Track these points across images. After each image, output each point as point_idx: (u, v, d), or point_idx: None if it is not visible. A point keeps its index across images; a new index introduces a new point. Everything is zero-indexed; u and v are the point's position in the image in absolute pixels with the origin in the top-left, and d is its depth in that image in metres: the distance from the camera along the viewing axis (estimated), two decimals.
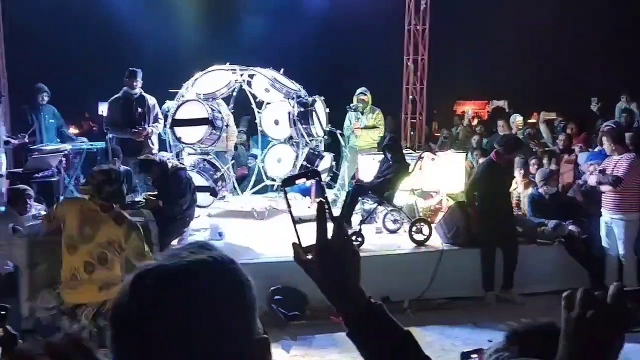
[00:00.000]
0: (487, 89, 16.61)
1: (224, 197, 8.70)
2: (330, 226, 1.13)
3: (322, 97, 8.75)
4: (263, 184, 9.03)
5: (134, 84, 7.76)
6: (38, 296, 4.87)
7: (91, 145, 7.95)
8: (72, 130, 10.13)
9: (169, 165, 6.97)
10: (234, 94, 8.74)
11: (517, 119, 10.67)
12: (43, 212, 5.93)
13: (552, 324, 1.00)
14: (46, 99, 8.12)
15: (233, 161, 9.40)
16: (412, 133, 11.33)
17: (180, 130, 8.07)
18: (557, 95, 13.84)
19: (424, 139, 11.49)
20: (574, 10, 14.81)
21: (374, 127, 9.12)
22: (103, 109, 9.22)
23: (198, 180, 7.66)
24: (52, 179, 6.82)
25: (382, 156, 7.60)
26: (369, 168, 8.08)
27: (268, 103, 8.64)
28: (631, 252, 6.54)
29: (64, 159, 7.56)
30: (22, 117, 8.08)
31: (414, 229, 7.05)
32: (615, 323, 0.97)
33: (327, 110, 8.80)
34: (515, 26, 14.72)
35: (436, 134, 13.69)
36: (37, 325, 5.60)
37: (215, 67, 8.56)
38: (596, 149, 8.50)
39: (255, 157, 9.69)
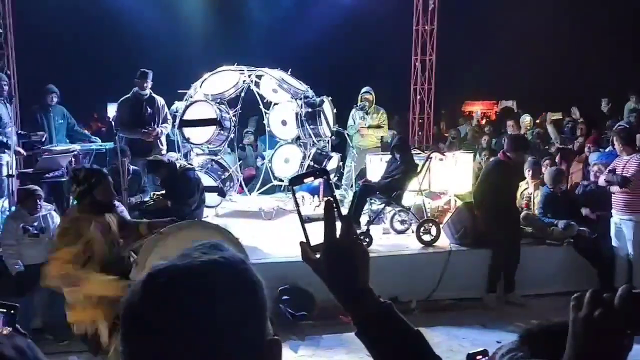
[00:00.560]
0: (495, 89, 16.56)
1: (231, 196, 8.73)
2: (338, 225, 1.12)
3: (330, 98, 8.75)
4: (271, 184, 9.05)
5: (145, 84, 7.80)
6: None
7: (100, 145, 7.99)
8: None
9: (178, 165, 7.01)
10: (242, 94, 8.77)
11: (526, 119, 10.64)
12: (53, 212, 5.97)
13: (566, 324, 1.00)
14: (56, 99, 8.16)
15: (241, 161, 9.43)
16: (420, 133, 11.32)
17: (188, 131, 8.11)
18: (566, 95, 13.76)
19: (432, 139, 11.47)
20: (583, 10, 14.73)
21: (378, 126, 9.11)
22: (112, 110, 9.26)
23: (206, 180, 7.69)
24: (62, 179, 6.85)
25: (390, 156, 7.60)
26: (376, 168, 8.08)
27: (276, 103, 8.66)
28: None
29: (74, 159, 7.59)
30: (31, 118, 8.13)
31: (421, 229, 7.04)
32: (623, 324, 0.96)
33: (335, 110, 8.81)
34: (523, 26, 14.65)
35: (444, 135, 13.66)
36: (46, 324, 5.65)
37: (224, 68, 8.59)
38: (607, 150, 8.47)
39: (263, 157, 9.71)
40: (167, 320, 0.86)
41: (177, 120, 8.13)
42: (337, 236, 1.11)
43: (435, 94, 11.22)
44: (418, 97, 11.21)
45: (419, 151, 8.81)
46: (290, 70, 8.63)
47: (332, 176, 8.58)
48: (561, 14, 15.20)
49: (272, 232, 7.28)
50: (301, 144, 8.60)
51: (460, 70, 13.93)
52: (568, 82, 14.99)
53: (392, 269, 6.37)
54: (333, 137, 9.03)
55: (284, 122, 8.58)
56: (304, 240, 1.14)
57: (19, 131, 7.81)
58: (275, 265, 6.06)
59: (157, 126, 7.88)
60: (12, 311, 1.71)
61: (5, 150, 7.16)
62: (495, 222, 6.60)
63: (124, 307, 0.91)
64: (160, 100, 8.03)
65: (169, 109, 8.24)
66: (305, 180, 1.24)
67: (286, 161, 8.64)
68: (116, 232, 4.25)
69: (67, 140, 8.20)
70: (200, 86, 8.40)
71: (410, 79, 11.27)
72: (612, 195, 6.57)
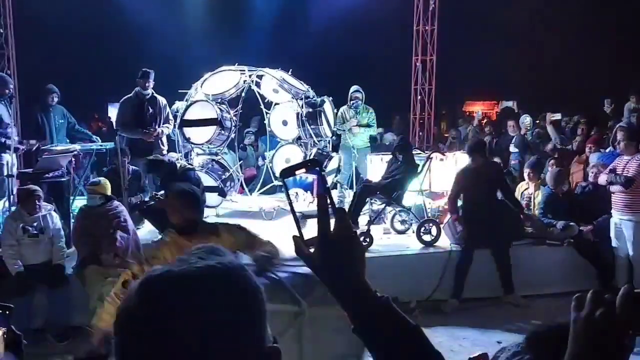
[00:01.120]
0: (496, 90, 16.56)
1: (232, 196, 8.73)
2: (332, 219, 1.09)
3: (331, 98, 8.75)
4: (271, 184, 9.05)
5: (147, 84, 7.80)
6: None
7: (101, 145, 7.99)
8: None
9: (178, 165, 7.00)
10: (243, 94, 8.77)
11: (526, 120, 10.64)
12: (53, 212, 5.96)
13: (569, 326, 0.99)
14: (56, 99, 8.16)
15: (241, 161, 9.42)
16: (420, 134, 11.32)
17: (189, 131, 8.11)
18: (567, 95, 13.77)
19: (433, 139, 11.47)
20: (584, 10, 14.73)
21: (367, 125, 9.08)
22: (112, 110, 9.26)
23: (207, 180, 7.69)
24: (62, 179, 6.85)
25: (390, 156, 7.60)
26: (376, 168, 8.07)
27: (277, 104, 8.66)
28: None
29: (74, 159, 7.59)
30: (32, 118, 8.13)
31: (422, 229, 7.03)
32: (624, 325, 0.96)
33: (335, 110, 8.80)
34: (523, 26, 14.66)
35: (445, 135, 13.66)
36: (46, 324, 5.65)
37: (224, 68, 8.58)
38: (607, 150, 8.46)
39: (264, 157, 9.72)
40: (161, 326, 0.84)
41: (178, 120, 8.13)
42: (331, 230, 1.08)
43: (436, 94, 11.23)
44: (418, 97, 11.22)
45: (419, 151, 8.81)
46: (291, 70, 8.62)
47: (332, 177, 8.59)
48: (561, 14, 15.21)
49: (272, 232, 7.24)
50: (302, 144, 8.60)
51: (460, 70, 13.92)
52: (568, 82, 15.00)
53: (393, 269, 6.37)
54: (334, 137, 9.03)
55: (284, 122, 8.58)
56: (297, 234, 1.11)
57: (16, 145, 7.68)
58: None
59: (159, 126, 7.88)
60: (7, 312, 1.71)
61: (6, 150, 7.16)
62: (469, 225, 6.63)
63: (119, 313, 0.90)
64: (162, 101, 8.03)
65: (169, 108, 8.24)
66: (297, 172, 1.16)
67: (287, 161, 8.64)
68: None
69: (67, 140, 8.20)
70: (201, 86, 8.39)
71: (410, 79, 11.28)
72: (612, 195, 6.56)
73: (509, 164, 9.58)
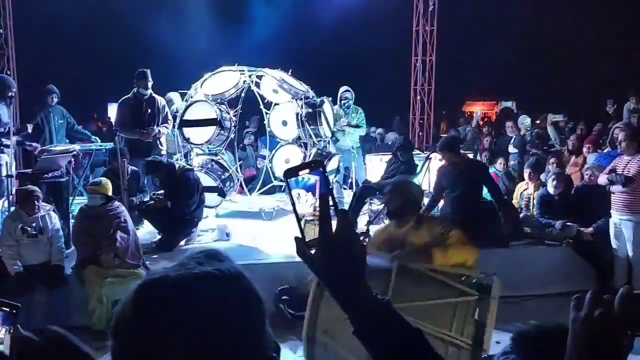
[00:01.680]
0: (495, 90, 16.57)
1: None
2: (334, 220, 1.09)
3: (330, 98, 8.75)
4: (271, 184, 9.05)
5: (147, 84, 7.80)
6: None
7: (100, 145, 7.99)
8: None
9: (177, 166, 7.00)
10: (243, 94, 8.77)
11: (525, 121, 10.64)
12: (52, 213, 5.96)
13: (557, 327, 0.99)
14: (56, 99, 8.16)
15: (241, 162, 9.42)
16: (420, 134, 11.33)
17: (188, 131, 8.11)
18: (567, 96, 13.77)
19: (432, 139, 11.48)
20: (583, 11, 14.73)
21: (357, 126, 9.08)
22: (112, 110, 9.27)
23: (206, 180, 7.69)
24: (61, 180, 6.84)
25: (389, 157, 7.60)
26: (376, 168, 8.07)
27: (276, 104, 8.66)
28: None
29: (73, 159, 7.59)
30: (31, 118, 8.13)
31: None
32: (622, 325, 0.96)
33: (335, 111, 8.80)
34: (523, 26, 14.67)
35: (444, 135, 13.66)
36: (46, 324, 5.64)
37: (224, 68, 8.58)
38: (605, 150, 8.46)
39: (263, 157, 9.71)
40: (156, 332, 0.83)
41: (177, 120, 8.14)
42: (333, 231, 1.08)
43: (435, 94, 11.24)
44: (418, 97, 11.23)
45: (418, 152, 8.81)
46: (290, 70, 8.63)
47: (332, 177, 8.58)
48: (561, 16, 15.21)
49: (272, 233, 7.28)
50: (301, 144, 8.60)
51: (460, 70, 13.93)
52: (567, 82, 15.01)
53: None
54: (333, 137, 9.03)
55: (284, 123, 8.57)
56: (299, 235, 1.10)
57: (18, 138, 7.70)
58: (275, 266, 6.06)
59: (157, 126, 7.87)
60: (14, 311, 1.71)
61: (5, 150, 7.16)
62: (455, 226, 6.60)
63: (115, 319, 0.89)
64: (160, 101, 8.03)
65: (168, 107, 8.24)
66: (300, 173, 1.15)
67: (287, 161, 8.64)
68: None
69: (67, 140, 8.20)
70: (201, 86, 8.40)
71: (410, 80, 11.29)
72: (612, 195, 6.54)
73: (508, 164, 9.58)
